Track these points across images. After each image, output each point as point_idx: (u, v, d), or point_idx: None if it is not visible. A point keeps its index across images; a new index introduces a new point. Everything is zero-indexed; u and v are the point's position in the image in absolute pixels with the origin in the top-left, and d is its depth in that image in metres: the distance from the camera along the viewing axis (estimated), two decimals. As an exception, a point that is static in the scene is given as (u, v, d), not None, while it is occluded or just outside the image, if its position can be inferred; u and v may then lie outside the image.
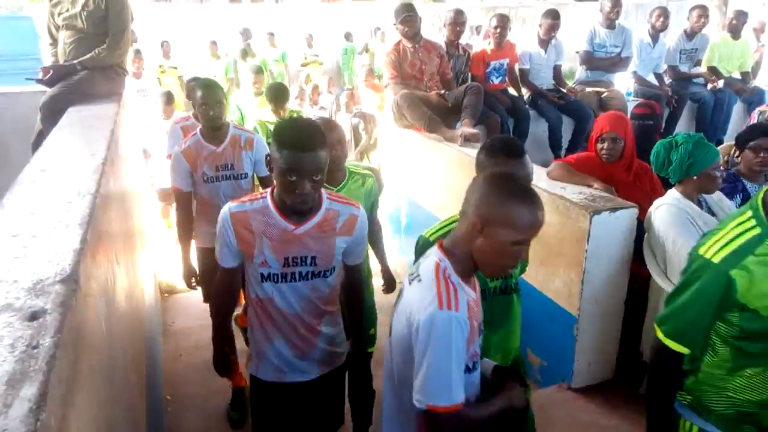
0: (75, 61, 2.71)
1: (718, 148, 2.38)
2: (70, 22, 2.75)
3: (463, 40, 4.53)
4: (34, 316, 0.83)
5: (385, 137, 4.23)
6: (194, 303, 2.97)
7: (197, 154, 2.41)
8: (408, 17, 3.45)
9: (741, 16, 4.80)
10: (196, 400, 2.70)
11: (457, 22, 3.74)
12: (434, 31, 9.06)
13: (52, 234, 1.12)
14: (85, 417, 0.90)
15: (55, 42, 2.88)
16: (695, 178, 2.14)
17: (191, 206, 2.52)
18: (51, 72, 2.71)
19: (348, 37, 10.71)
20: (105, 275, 1.31)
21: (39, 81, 2.73)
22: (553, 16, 4.06)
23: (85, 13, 2.71)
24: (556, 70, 4.29)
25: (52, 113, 2.51)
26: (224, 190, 2.46)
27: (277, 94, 3.63)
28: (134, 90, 5.48)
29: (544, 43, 4.13)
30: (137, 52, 5.71)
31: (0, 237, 1.10)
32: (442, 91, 3.42)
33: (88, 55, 2.72)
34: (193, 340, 3.19)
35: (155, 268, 3.66)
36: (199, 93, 2.37)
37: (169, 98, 4.84)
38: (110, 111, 2.47)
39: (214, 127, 2.42)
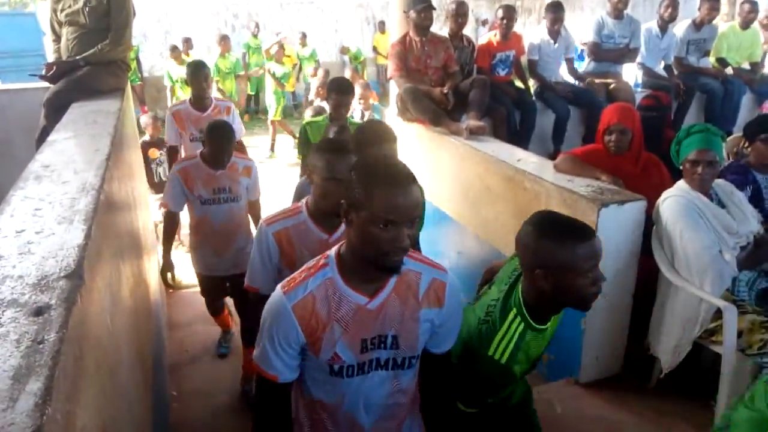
0: (78, 57, 2.71)
1: (728, 139, 2.35)
2: (73, 18, 2.74)
3: (472, 36, 4.47)
4: (39, 312, 0.83)
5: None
6: (199, 299, 2.97)
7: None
8: (427, 7, 3.32)
9: (753, 8, 4.72)
10: (202, 396, 2.70)
11: (459, 13, 3.67)
12: (437, 24, 9.02)
13: (57, 230, 1.11)
14: (90, 411, 0.89)
15: (57, 38, 2.88)
16: (681, 168, 2.16)
17: None
18: (54, 68, 2.71)
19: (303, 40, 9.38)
20: (109, 271, 1.31)
21: (42, 77, 2.73)
22: (554, 8, 4.00)
23: (87, 9, 2.71)
24: (569, 64, 4.23)
25: (55, 109, 2.51)
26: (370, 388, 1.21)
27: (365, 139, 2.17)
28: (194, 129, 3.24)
29: (555, 33, 4.06)
30: (197, 68, 3.29)
31: (4, 233, 1.10)
32: (446, 90, 3.34)
33: (90, 51, 2.71)
34: (198, 335, 3.20)
35: (160, 263, 3.67)
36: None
37: None
38: (113, 106, 2.47)
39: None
